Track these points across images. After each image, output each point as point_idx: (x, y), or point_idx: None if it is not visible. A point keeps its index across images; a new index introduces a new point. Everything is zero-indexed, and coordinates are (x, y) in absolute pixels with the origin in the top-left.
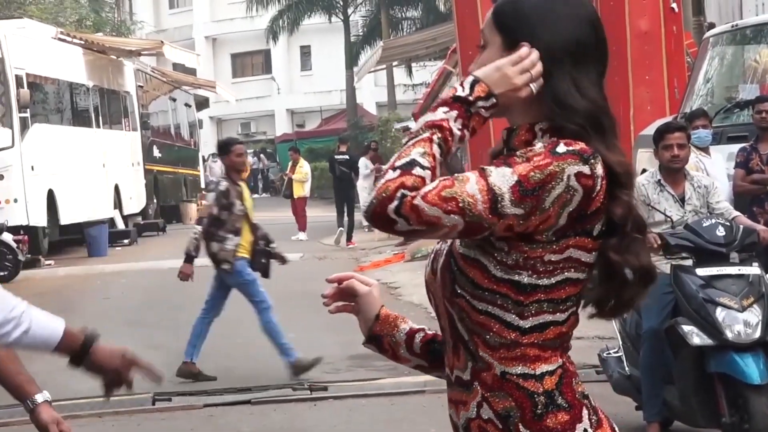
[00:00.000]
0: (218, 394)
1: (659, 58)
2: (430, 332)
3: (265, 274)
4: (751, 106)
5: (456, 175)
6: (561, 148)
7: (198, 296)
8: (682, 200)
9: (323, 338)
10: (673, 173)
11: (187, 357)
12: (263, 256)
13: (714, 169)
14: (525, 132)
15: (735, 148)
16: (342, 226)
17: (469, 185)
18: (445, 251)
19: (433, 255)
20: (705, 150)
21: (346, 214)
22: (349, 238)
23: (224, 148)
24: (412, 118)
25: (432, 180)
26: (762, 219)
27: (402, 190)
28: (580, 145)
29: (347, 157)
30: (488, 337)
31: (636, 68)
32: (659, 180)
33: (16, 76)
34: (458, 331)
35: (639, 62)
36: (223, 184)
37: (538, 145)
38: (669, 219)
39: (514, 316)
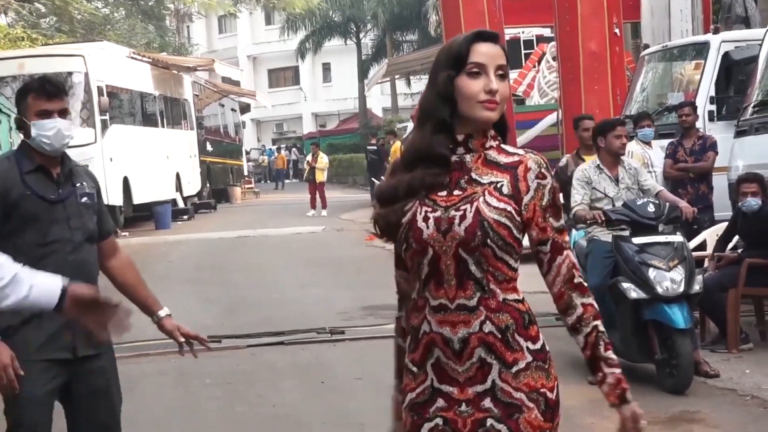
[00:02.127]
0: (258, 336)
1: (605, 72)
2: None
3: None
4: (676, 110)
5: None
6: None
7: (243, 261)
8: (616, 180)
9: (341, 293)
10: (611, 158)
11: None
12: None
13: (656, 159)
14: (483, 136)
15: (665, 142)
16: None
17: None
18: (468, 218)
19: (433, 221)
20: (648, 144)
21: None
22: None
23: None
24: (410, 119)
25: None
26: (685, 198)
27: None
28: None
29: (375, 147)
30: (498, 274)
31: (587, 80)
32: (598, 165)
33: (98, 86)
34: (470, 271)
35: (589, 75)
36: (563, 159)
37: (550, 180)
38: (608, 197)
39: (513, 261)
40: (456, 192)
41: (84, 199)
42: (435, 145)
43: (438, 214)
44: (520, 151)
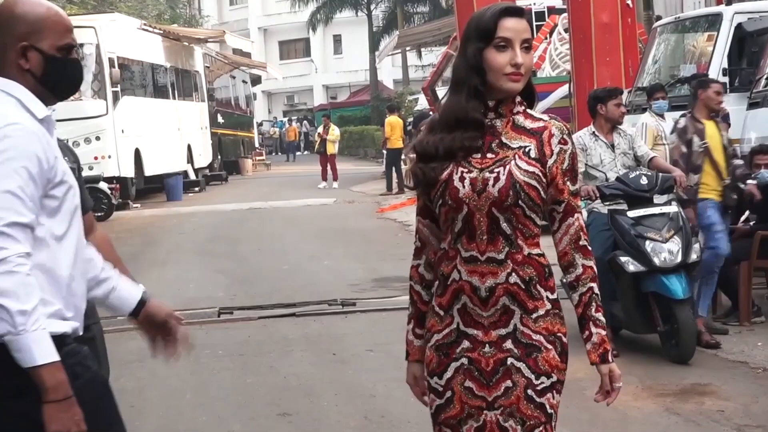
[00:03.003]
0: (270, 308)
1: (617, 44)
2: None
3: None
4: (689, 82)
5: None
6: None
7: (255, 233)
8: (612, 146)
9: (352, 265)
10: (611, 126)
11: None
12: (733, 191)
13: (668, 131)
14: (511, 104)
15: (678, 114)
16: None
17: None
18: (501, 180)
19: (469, 181)
20: (662, 116)
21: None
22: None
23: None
24: (422, 92)
25: None
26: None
27: None
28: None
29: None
30: (525, 230)
31: (599, 52)
32: (593, 132)
33: (109, 58)
34: (500, 227)
35: (601, 47)
36: (681, 122)
37: (571, 145)
38: (601, 171)
39: (539, 219)
40: (489, 155)
41: None
42: (470, 111)
43: (473, 174)
44: (545, 117)
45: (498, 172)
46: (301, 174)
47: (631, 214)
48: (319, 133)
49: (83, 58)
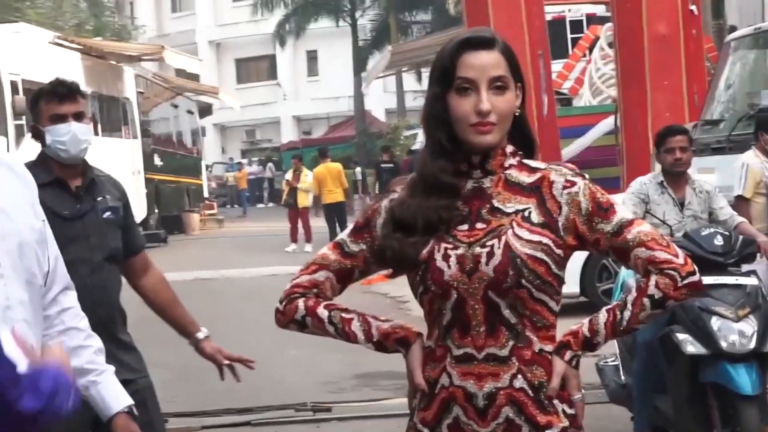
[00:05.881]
0: (218, 414)
1: (678, 62)
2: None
3: None
4: None
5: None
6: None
7: (202, 312)
8: (681, 204)
9: (328, 357)
10: (675, 177)
11: None
12: None
13: None
14: (500, 156)
15: None
16: None
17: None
18: (497, 255)
19: (455, 260)
20: None
21: None
22: None
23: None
24: (421, 125)
25: None
26: None
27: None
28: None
29: (392, 165)
30: (535, 319)
31: (654, 73)
32: (662, 182)
33: (12, 82)
34: (503, 316)
35: (657, 67)
36: None
37: (581, 182)
38: (666, 224)
39: (554, 303)
40: (479, 225)
41: (107, 214)
42: (438, 173)
43: (460, 251)
44: (542, 165)
45: (491, 246)
46: (265, 233)
47: None
48: (287, 180)
49: None
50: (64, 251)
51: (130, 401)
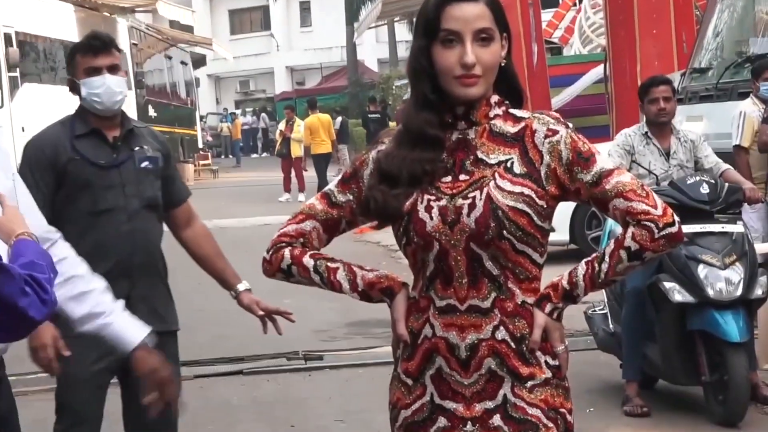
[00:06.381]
0: (209, 363)
1: (667, 10)
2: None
3: None
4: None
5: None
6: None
7: (193, 262)
8: (667, 154)
9: (320, 305)
10: (660, 127)
11: None
12: None
13: None
14: (485, 106)
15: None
16: None
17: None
18: (478, 207)
19: (437, 211)
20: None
21: None
22: None
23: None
24: None
25: None
26: None
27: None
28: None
29: (378, 114)
30: (518, 271)
31: (642, 22)
32: (646, 132)
33: (5, 34)
34: (485, 268)
35: (646, 15)
36: None
37: (564, 130)
38: (653, 174)
39: (537, 255)
40: (462, 177)
41: (144, 164)
42: (423, 125)
43: (443, 203)
44: (526, 114)
45: (473, 198)
46: (258, 183)
47: (685, 229)
48: (280, 131)
49: None
50: (101, 199)
51: (144, 333)
